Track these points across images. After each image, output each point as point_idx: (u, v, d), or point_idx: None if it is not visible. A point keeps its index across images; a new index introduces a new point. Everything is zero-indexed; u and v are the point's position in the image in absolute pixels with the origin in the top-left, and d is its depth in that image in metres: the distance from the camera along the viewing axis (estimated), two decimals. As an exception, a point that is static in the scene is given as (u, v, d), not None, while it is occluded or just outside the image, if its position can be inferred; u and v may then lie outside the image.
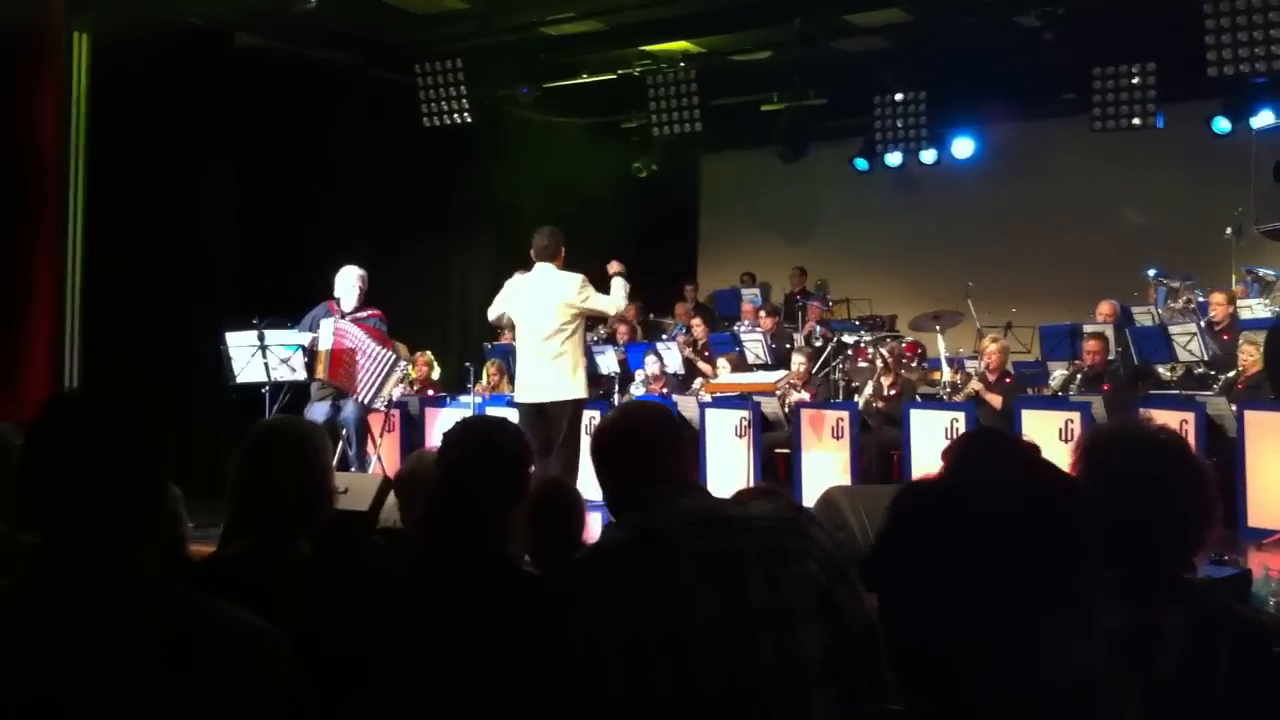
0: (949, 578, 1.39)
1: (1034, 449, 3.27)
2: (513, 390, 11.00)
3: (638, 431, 2.72)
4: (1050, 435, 8.89)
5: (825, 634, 2.36)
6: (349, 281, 9.09)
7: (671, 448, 2.70)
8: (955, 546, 1.40)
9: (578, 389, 7.99)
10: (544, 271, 7.99)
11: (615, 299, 8.32)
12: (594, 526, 4.21)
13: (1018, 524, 1.41)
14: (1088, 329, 10.67)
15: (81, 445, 1.86)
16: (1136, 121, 11.59)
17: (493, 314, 8.44)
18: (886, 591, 1.47)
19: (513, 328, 8.44)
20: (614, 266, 8.49)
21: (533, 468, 2.90)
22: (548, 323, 7.92)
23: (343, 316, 9.01)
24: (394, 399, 9.49)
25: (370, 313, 9.19)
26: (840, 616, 2.37)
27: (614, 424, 2.82)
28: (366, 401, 9.06)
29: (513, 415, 9.19)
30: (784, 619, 2.36)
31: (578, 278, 7.98)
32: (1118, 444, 2.29)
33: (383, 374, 9.05)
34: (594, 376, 10.09)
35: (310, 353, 8.96)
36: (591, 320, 9.20)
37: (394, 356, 9.13)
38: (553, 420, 7.95)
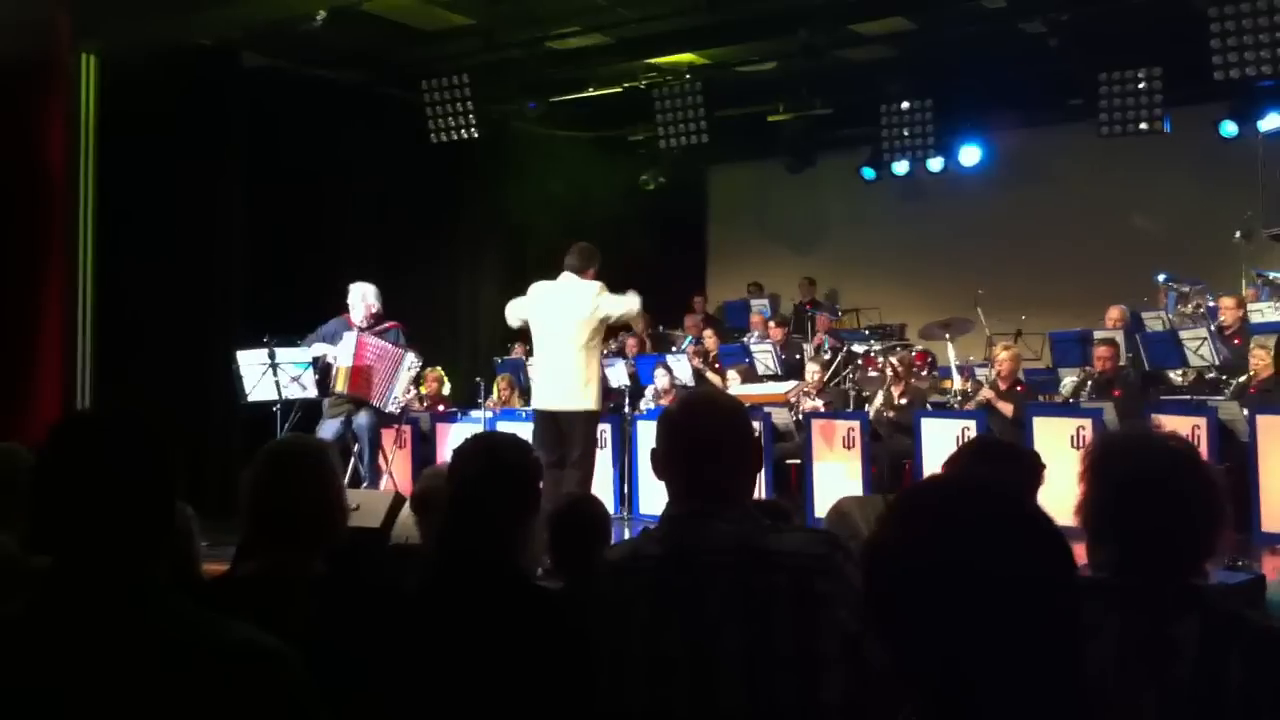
0: (945, 586, 1.40)
1: (1034, 457, 3.28)
2: (523, 404, 11.02)
3: (724, 420, 2.58)
4: (1062, 442, 8.88)
5: (847, 677, 2.35)
6: (357, 298, 9.15)
7: (745, 453, 2.58)
8: (953, 554, 1.40)
9: (589, 400, 7.97)
10: (568, 281, 7.98)
11: (627, 301, 8.15)
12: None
13: (1006, 529, 1.42)
14: (1098, 335, 10.65)
15: (90, 465, 1.86)
16: (1143, 126, 11.59)
17: (511, 315, 8.32)
18: (882, 600, 1.48)
19: (528, 341, 8.43)
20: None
21: (541, 483, 2.88)
22: (565, 332, 7.90)
23: (361, 331, 9.04)
24: (405, 403, 9.46)
25: (388, 325, 9.23)
26: (863, 660, 2.34)
27: (702, 407, 2.67)
28: (384, 405, 9.07)
29: (525, 429, 9.22)
30: (807, 663, 2.34)
31: (594, 284, 7.94)
32: (1125, 452, 2.28)
33: (395, 373, 9.07)
34: (604, 390, 10.08)
35: (324, 368, 8.99)
36: (607, 331, 9.14)
37: (402, 352, 9.12)
38: (564, 430, 7.94)
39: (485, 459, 2.76)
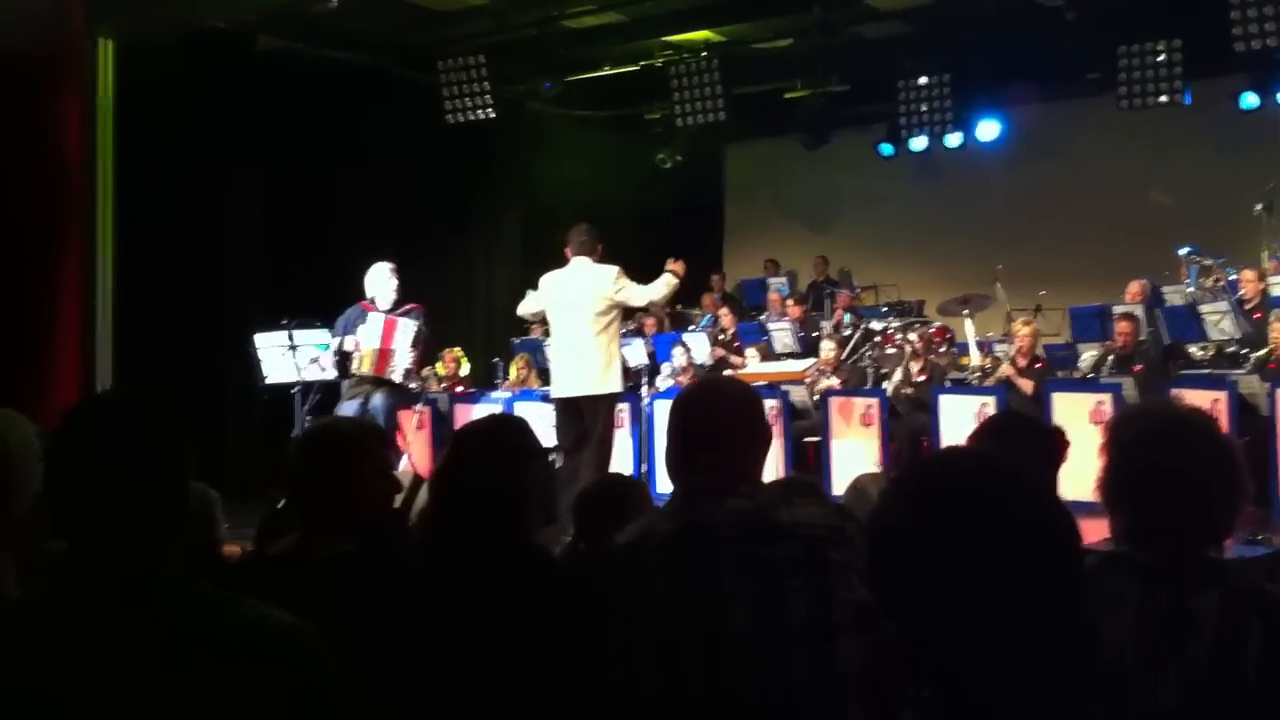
0: (947, 568, 1.39)
1: (1057, 433, 3.27)
2: (541, 384, 11.04)
3: (724, 409, 2.61)
4: (1081, 418, 8.84)
5: (862, 645, 2.35)
6: (382, 278, 9.01)
7: (749, 436, 2.61)
8: (952, 534, 1.39)
9: (612, 383, 7.98)
10: (581, 265, 7.98)
11: (652, 291, 8.23)
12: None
13: (1008, 509, 1.41)
14: (1118, 310, 10.60)
15: (93, 452, 1.86)
16: (1163, 99, 11.51)
17: (525, 309, 8.42)
18: (886, 583, 1.47)
19: (545, 323, 8.45)
20: (672, 265, 8.43)
21: (554, 459, 2.90)
22: (583, 315, 7.89)
23: (387, 313, 8.99)
24: (410, 368, 9.30)
25: (410, 307, 9.18)
26: (876, 628, 2.35)
27: (703, 396, 2.73)
28: (398, 378, 8.98)
29: (542, 410, 9.22)
30: (821, 633, 2.35)
31: (613, 269, 7.97)
32: (1143, 426, 2.27)
33: (402, 343, 8.99)
34: (623, 369, 10.10)
35: (344, 353, 8.95)
36: (625, 312, 9.15)
37: (395, 319, 9.02)
38: (587, 415, 7.95)
39: (473, 442, 2.77)
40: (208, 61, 10.81)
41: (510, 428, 2.90)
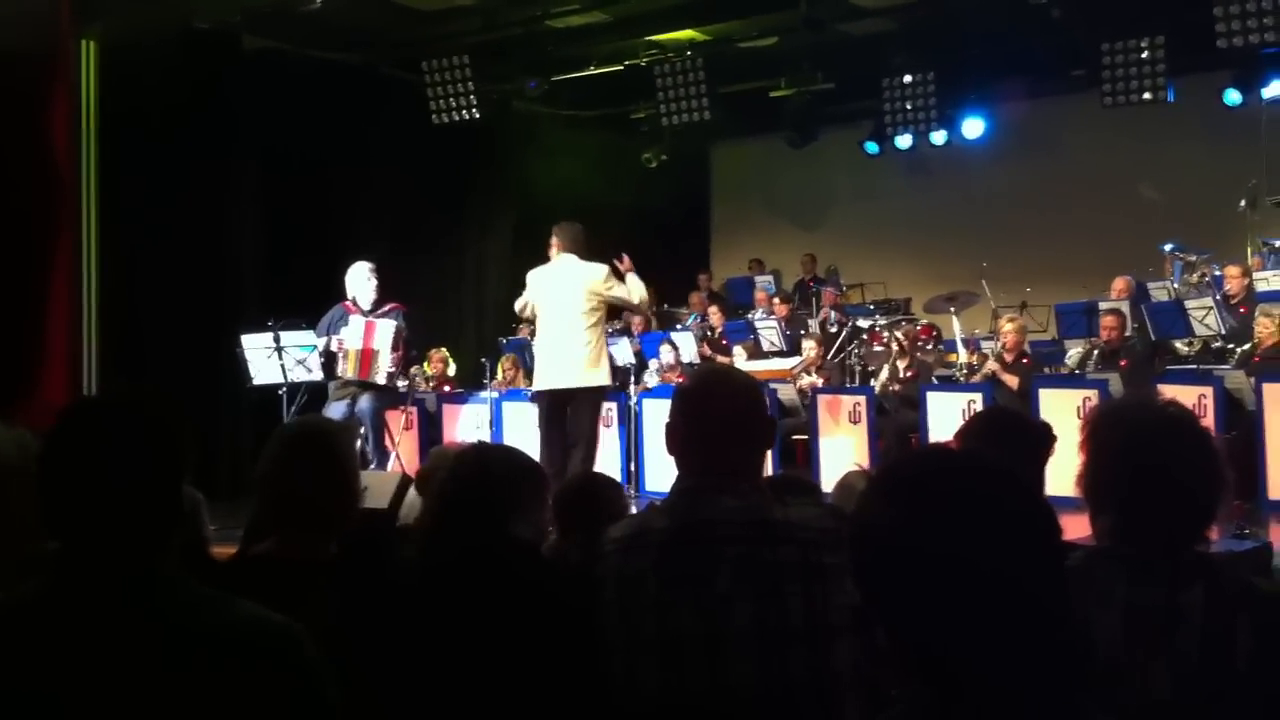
0: (928, 566, 1.39)
1: (1043, 428, 3.28)
2: (528, 384, 11.04)
3: (729, 406, 2.55)
4: (1068, 414, 8.85)
5: (857, 647, 2.36)
6: (361, 278, 9.06)
7: (751, 436, 2.57)
8: (932, 533, 1.40)
9: (599, 377, 8.05)
10: (568, 261, 8.08)
11: (637, 289, 8.42)
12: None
13: (987, 507, 1.42)
14: (1104, 306, 10.63)
15: (91, 452, 1.86)
16: (1147, 96, 11.53)
17: (520, 304, 8.53)
18: (869, 582, 1.47)
19: (533, 320, 8.52)
20: (626, 263, 8.56)
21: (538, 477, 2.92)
22: (572, 310, 7.99)
23: (367, 314, 8.99)
24: (394, 370, 9.24)
25: (390, 306, 9.18)
26: (873, 630, 2.35)
27: (708, 390, 2.65)
28: (382, 380, 8.96)
29: (529, 410, 9.22)
30: (818, 635, 2.35)
31: (603, 268, 8.08)
32: (1121, 421, 2.28)
33: (384, 344, 8.96)
34: (610, 368, 10.12)
35: (329, 354, 8.95)
36: (610, 311, 9.21)
37: (375, 322, 9.01)
38: (572, 409, 8.01)
39: (474, 465, 2.80)
40: (197, 62, 10.77)
41: (497, 458, 2.92)
